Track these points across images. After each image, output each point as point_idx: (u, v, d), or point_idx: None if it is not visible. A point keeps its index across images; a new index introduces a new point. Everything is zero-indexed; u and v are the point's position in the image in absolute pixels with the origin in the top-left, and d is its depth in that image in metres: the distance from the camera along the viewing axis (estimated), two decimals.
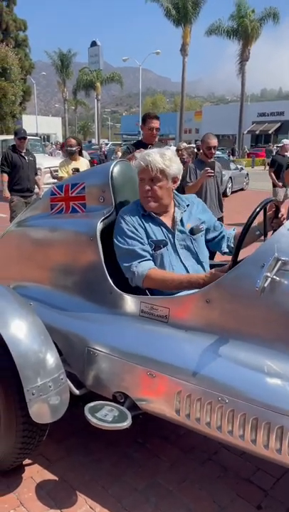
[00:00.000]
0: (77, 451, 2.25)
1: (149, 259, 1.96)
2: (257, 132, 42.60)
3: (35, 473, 2.10)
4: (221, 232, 2.27)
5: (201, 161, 4.37)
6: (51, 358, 1.87)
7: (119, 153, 18.15)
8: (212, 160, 4.15)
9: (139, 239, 1.97)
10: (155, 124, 3.92)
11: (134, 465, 2.16)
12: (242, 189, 15.79)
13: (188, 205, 2.16)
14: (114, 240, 2.01)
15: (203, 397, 1.65)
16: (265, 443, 1.54)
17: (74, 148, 5.57)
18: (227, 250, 2.27)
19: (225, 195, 13.94)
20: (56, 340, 2.04)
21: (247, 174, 16.62)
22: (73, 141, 5.65)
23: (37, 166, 6.54)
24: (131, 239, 1.96)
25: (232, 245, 2.25)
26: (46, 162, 11.09)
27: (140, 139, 4.24)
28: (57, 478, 2.07)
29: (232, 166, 15.58)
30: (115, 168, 2.12)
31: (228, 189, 13.99)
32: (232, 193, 14.43)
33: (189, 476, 2.09)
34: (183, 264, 2.02)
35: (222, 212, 4.54)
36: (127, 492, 1.99)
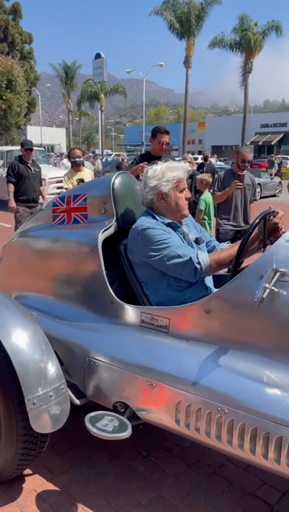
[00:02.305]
0: (81, 464, 2.23)
1: (195, 250, 1.95)
2: (260, 143, 42.78)
3: (38, 486, 2.08)
4: (211, 242, 2.30)
5: (233, 172, 4.40)
6: (52, 368, 1.87)
7: (99, 165, 18.22)
8: (243, 173, 4.19)
9: (174, 237, 1.97)
10: (165, 139, 4.01)
11: (139, 478, 2.14)
12: (274, 195, 17.57)
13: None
14: (147, 253, 1.93)
15: (203, 407, 1.66)
16: (264, 453, 1.54)
17: (81, 159, 5.62)
18: None
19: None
20: (57, 350, 2.05)
21: (280, 182, 18.58)
22: (79, 152, 5.69)
23: (42, 177, 6.58)
24: (169, 239, 1.93)
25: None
26: (51, 173, 11.16)
27: (148, 150, 4.29)
28: (60, 491, 2.05)
29: (262, 174, 17.87)
30: (116, 180, 2.14)
31: (256, 193, 15.42)
32: (262, 197, 16.30)
33: (194, 490, 2.06)
34: None
35: (247, 224, 4.43)
36: (131, 506, 1.97)
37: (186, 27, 30.46)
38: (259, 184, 16.48)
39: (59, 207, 2.31)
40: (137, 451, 2.32)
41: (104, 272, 2.03)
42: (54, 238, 2.29)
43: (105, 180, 2.20)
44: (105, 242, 2.09)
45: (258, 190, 16.35)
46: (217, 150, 41.13)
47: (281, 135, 41.78)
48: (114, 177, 2.15)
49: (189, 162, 7.98)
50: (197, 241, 2.14)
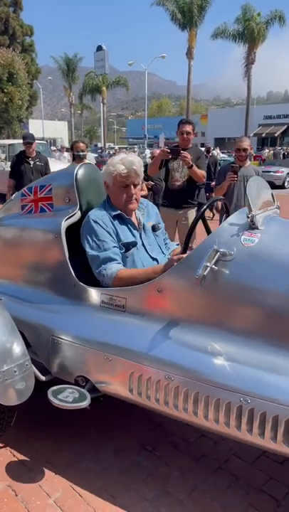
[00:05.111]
0: (86, 459, 2.21)
1: (118, 262, 2.07)
2: (263, 135, 42.49)
3: (43, 481, 2.07)
4: (165, 239, 2.43)
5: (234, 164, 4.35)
6: (17, 347, 2.03)
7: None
8: (236, 165, 4.14)
9: (109, 242, 2.09)
10: (186, 128, 4.05)
11: (144, 473, 2.12)
12: None
13: (145, 206, 2.33)
14: (85, 242, 2.12)
15: (153, 376, 1.82)
16: (205, 415, 1.71)
17: (84, 153, 5.57)
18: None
19: (283, 187, 17.54)
20: (25, 331, 2.19)
21: None
22: (82, 146, 5.64)
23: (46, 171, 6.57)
24: (101, 242, 2.08)
25: (169, 257, 2.35)
26: (53, 166, 11.09)
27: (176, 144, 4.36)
28: (65, 486, 2.04)
29: None
30: (80, 171, 2.28)
31: (286, 183, 18.06)
32: None
33: (200, 486, 2.04)
34: (152, 258, 2.18)
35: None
36: (136, 501, 1.95)
37: (188, 17, 30.13)
38: (288, 174, 18.01)
39: (27, 197, 2.44)
40: (142, 446, 2.30)
41: (68, 257, 2.17)
42: (22, 227, 2.43)
43: (69, 171, 2.34)
44: (69, 228, 2.21)
45: (288, 179, 17.91)
46: (220, 142, 40.87)
47: (284, 127, 41.47)
48: (77, 168, 2.30)
49: None
50: (154, 228, 2.29)
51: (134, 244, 2.15)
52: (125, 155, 2.18)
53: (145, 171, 6.29)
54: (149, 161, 11.54)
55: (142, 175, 2.20)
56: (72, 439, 2.35)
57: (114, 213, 2.15)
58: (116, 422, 2.50)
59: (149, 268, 2.06)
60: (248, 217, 1.79)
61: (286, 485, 2.06)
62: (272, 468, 2.15)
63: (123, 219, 2.18)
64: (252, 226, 1.78)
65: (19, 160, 6.22)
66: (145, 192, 5.61)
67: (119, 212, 2.17)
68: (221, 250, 1.73)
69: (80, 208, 2.27)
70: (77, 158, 5.68)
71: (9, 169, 6.48)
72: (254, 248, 1.74)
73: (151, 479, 2.08)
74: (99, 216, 2.12)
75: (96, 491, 2.01)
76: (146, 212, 2.31)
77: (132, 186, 2.15)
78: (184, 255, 1.89)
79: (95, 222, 2.10)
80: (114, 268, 2.04)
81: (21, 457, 2.22)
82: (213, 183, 5.46)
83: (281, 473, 2.12)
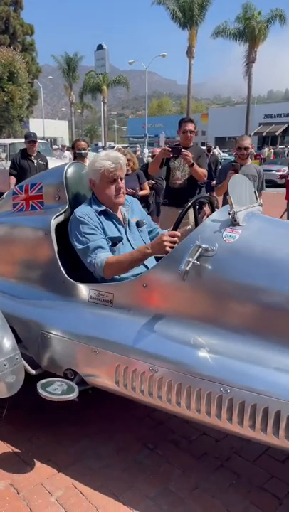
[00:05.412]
0: (87, 457, 2.21)
1: (106, 251, 2.11)
2: (264, 134, 42.45)
3: (44, 480, 2.07)
4: (155, 229, 2.50)
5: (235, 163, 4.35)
6: (7, 342, 2.07)
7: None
8: (237, 164, 4.14)
9: (97, 234, 2.13)
10: (189, 127, 4.06)
11: (146, 471, 2.12)
12: None
13: (129, 203, 2.38)
14: (73, 239, 2.15)
15: (138, 368, 1.87)
16: (188, 405, 1.76)
17: (86, 151, 5.57)
18: None
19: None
20: (16, 327, 2.23)
21: None
22: (84, 144, 5.63)
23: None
24: (90, 235, 2.11)
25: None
26: (54, 165, 11.10)
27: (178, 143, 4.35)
28: (67, 485, 2.04)
29: None
30: (69, 169, 2.34)
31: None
32: None
33: (201, 484, 2.04)
34: None
35: None
36: (138, 499, 1.95)
37: (188, 16, 30.10)
38: None
39: (18, 195, 2.49)
40: (143, 444, 2.30)
41: (57, 254, 2.21)
42: (13, 224, 2.47)
43: (59, 169, 2.40)
44: (59, 225, 2.25)
45: None
46: (220, 141, 40.86)
47: (285, 126, 41.43)
48: (67, 166, 2.35)
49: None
50: (138, 224, 2.33)
51: (120, 239, 2.20)
52: (107, 151, 2.23)
53: (145, 170, 6.29)
54: (148, 159, 11.52)
55: (126, 169, 2.25)
56: (74, 437, 2.35)
57: (100, 209, 2.19)
58: (117, 420, 2.50)
59: (133, 251, 2.11)
60: (229, 213, 1.83)
61: (288, 483, 2.06)
62: (274, 467, 2.16)
63: (109, 215, 2.22)
64: (233, 222, 1.84)
65: (23, 158, 6.18)
66: (147, 191, 5.61)
67: (104, 208, 2.21)
68: (203, 246, 1.78)
69: (70, 206, 2.31)
70: (78, 156, 5.67)
71: (10, 168, 6.43)
72: (235, 244, 1.79)
73: (153, 477, 2.08)
74: (85, 212, 2.16)
75: (98, 489, 2.01)
76: (131, 208, 2.36)
77: (119, 180, 2.20)
78: (176, 232, 1.94)
79: (81, 217, 2.14)
80: (104, 256, 2.08)
81: (23, 455, 2.23)
82: (214, 182, 5.46)
83: (283, 472, 2.12)
